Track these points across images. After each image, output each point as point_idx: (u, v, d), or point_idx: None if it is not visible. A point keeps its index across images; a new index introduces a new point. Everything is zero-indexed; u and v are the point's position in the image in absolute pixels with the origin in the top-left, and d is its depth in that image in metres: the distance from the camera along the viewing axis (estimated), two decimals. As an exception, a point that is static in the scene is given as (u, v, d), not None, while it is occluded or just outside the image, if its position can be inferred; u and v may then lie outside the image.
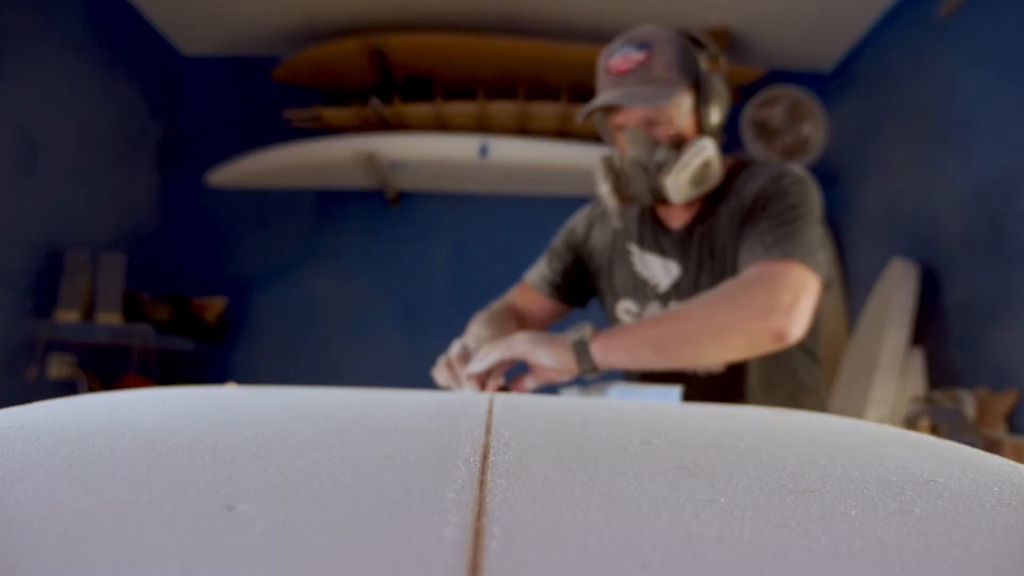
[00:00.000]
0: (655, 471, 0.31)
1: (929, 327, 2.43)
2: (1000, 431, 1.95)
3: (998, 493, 0.31)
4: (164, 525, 0.23)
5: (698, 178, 1.20)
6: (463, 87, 3.02)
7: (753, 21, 2.90)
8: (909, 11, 2.69)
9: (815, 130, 3.14)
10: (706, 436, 0.41)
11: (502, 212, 3.29)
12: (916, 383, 2.35)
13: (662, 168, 1.20)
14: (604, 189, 1.26)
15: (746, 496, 0.29)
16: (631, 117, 1.22)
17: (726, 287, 1.09)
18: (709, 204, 1.27)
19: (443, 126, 2.99)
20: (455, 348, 1.17)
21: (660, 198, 1.23)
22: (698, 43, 1.24)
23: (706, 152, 1.19)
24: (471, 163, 2.89)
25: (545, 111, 2.90)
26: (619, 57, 1.21)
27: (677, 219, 1.32)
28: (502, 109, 2.89)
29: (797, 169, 1.26)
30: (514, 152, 2.87)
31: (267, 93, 3.20)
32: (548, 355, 1.06)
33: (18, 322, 2.34)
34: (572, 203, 3.23)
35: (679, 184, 1.19)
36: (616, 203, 1.26)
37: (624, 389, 1.12)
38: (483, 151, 2.83)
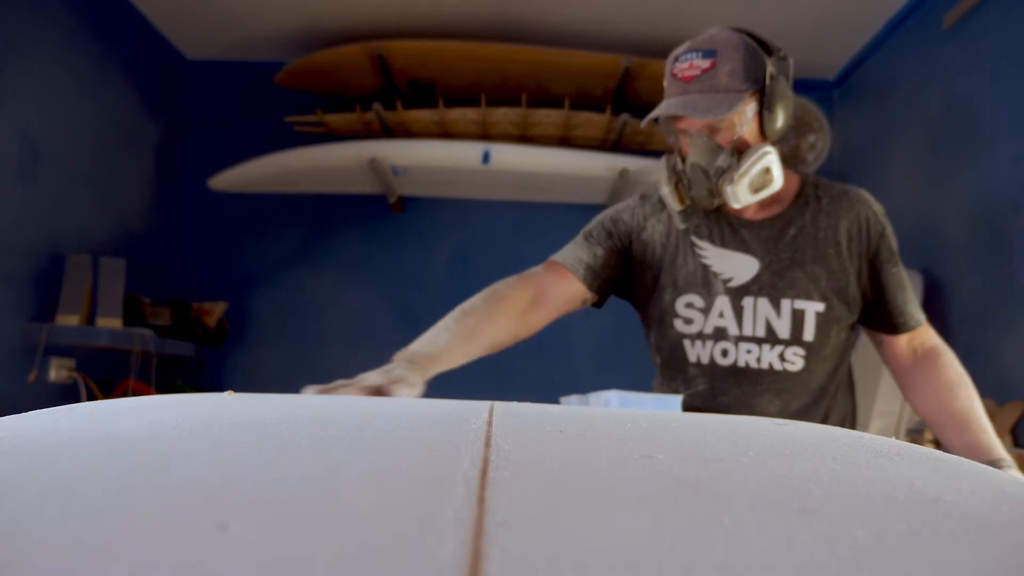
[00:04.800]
0: (657, 488, 0.31)
1: (932, 337, 2.42)
2: (1005, 444, 1.93)
3: (1008, 513, 0.31)
4: (155, 547, 0.22)
5: (757, 184, 1.22)
6: (465, 93, 3.02)
7: (757, 29, 2.89)
8: (915, 19, 2.69)
9: (820, 140, 3.13)
10: (708, 450, 0.41)
11: (504, 218, 3.29)
12: (919, 393, 2.33)
13: (723, 174, 1.22)
14: (666, 190, 1.28)
15: (750, 515, 0.28)
16: (694, 123, 1.23)
17: (959, 374, 1.29)
18: (793, 208, 1.31)
19: (445, 132, 2.99)
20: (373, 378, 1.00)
21: (721, 202, 1.25)
22: (767, 47, 1.25)
23: (767, 159, 1.21)
24: (473, 169, 2.89)
25: (547, 118, 2.90)
26: (685, 63, 1.22)
27: (754, 213, 1.33)
28: (504, 116, 2.89)
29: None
30: (516, 159, 2.87)
31: (270, 98, 3.20)
32: None
33: (19, 325, 2.33)
34: (574, 210, 3.25)
35: (738, 190, 1.21)
36: (678, 204, 1.28)
37: (625, 397, 1.12)
38: (485, 157, 2.83)
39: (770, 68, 1.22)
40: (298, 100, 3.16)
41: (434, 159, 2.88)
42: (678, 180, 1.27)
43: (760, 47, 1.24)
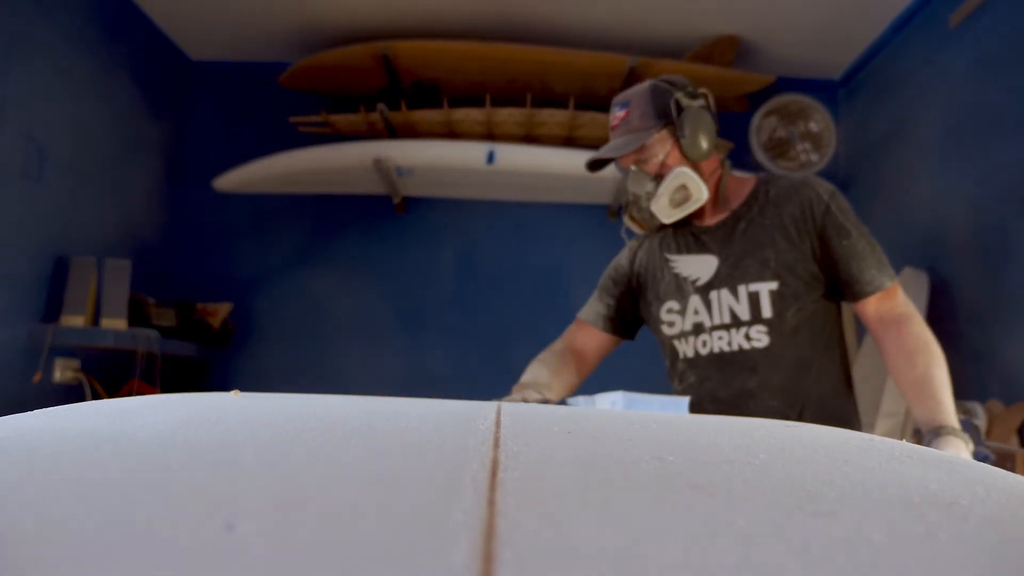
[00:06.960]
0: (669, 490, 0.30)
1: (939, 338, 2.41)
2: (1012, 444, 1.92)
3: (1025, 517, 0.30)
4: (161, 547, 0.22)
5: (677, 200, 1.42)
6: (470, 94, 3.02)
7: (763, 29, 2.89)
8: (920, 18, 2.68)
9: (825, 140, 3.12)
10: (720, 452, 0.40)
11: (508, 219, 3.28)
12: (925, 394, 2.32)
13: (646, 196, 1.44)
14: (626, 220, 1.53)
15: (764, 518, 0.28)
16: (627, 161, 1.48)
17: (919, 340, 1.35)
18: (743, 206, 1.49)
19: (450, 132, 2.99)
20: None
21: (659, 221, 1.45)
22: (673, 85, 1.46)
23: (679, 178, 1.41)
24: (478, 170, 2.88)
25: (552, 118, 2.89)
26: (611, 116, 1.50)
27: (710, 219, 1.52)
28: (509, 116, 2.88)
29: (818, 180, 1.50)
30: (521, 159, 2.86)
31: (274, 99, 3.20)
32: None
33: (24, 326, 2.34)
34: (579, 210, 3.24)
35: (660, 208, 1.43)
36: (638, 229, 1.52)
37: (631, 398, 1.11)
38: (490, 158, 2.82)
39: (680, 102, 1.42)
40: (302, 100, 3.16)
41: (439, 159, 2.88)
42: (628, 209, 1.51)
43: (669, 87, 1.45)
